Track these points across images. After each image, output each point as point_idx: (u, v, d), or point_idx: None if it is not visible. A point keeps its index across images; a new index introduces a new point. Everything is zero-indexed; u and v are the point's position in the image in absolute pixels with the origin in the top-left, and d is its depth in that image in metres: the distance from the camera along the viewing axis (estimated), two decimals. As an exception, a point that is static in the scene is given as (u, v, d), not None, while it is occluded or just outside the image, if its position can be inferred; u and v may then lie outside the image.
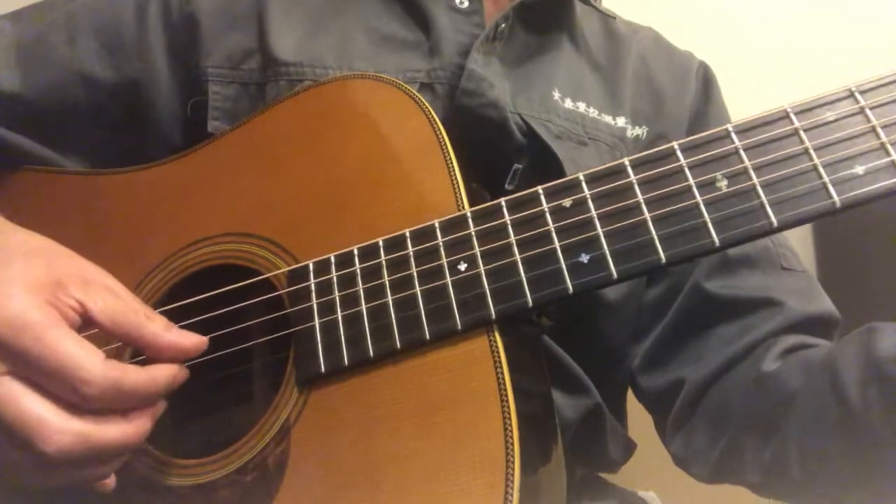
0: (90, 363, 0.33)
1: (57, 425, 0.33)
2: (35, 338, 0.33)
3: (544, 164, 0.51)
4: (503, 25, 0.53)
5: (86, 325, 0.36)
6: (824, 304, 0.53)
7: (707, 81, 0.61)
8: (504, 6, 0.54)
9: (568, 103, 0.54)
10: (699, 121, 0.59)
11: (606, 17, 0.62)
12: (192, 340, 0.38)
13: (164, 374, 0.37)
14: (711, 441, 0.50)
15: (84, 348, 0.34)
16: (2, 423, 0.33)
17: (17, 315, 0.33)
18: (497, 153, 0.51)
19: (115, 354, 0.42)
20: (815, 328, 0.51)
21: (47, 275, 0.35)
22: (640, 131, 0.56)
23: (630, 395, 0.59)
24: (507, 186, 0.50)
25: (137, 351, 0.42)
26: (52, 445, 0.33)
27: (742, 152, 0.35)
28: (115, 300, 0.37)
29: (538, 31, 0.56)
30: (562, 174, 0.49)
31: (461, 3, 0.53)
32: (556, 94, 0.54)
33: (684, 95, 0.59)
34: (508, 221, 0.38)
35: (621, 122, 0.55)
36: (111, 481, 0.37)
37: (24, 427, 0.33)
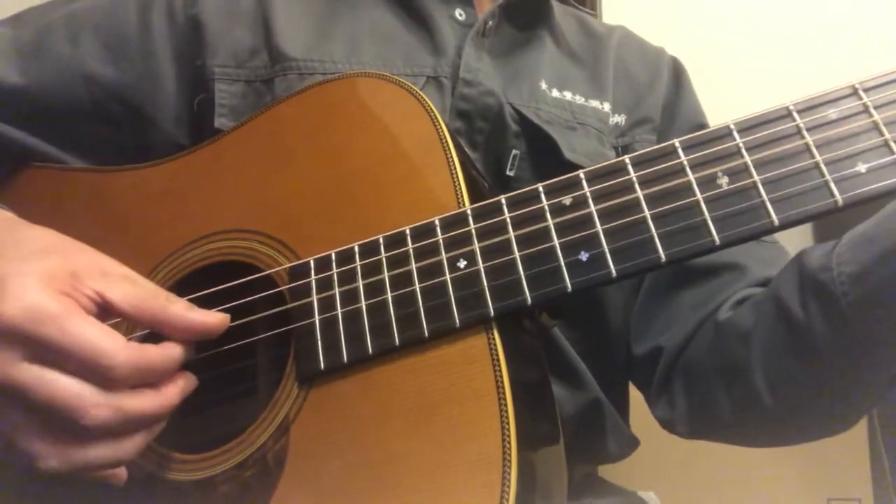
0: (114, 347, 0.35)
1: (94, 399, 0.34)
2: (57, 327, 0.34)
3: (540, 147, 0.53)
4: (491, 22, 0.56)
5: (104, 314, 0.37)
6: None
7: (677, 72, 0.64)
8: (492, 5, 0.57)
9: (555, 93, 0.56)
10: (670, 108, 0.62)
11: (583, 17, 0.65)
12: (215, 318, 0.39)
13: (178, 350, 0.38)
14: (688, 398, 0.52)
15: (106, 332, 0.35)
16: (36, 403, 0.33)
17: (35, 305, 0.34)
18: (497, 141, 0.53)
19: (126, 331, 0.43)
20: None
21: (63, 267, 0.36)
22: (619, 119, 0.58)
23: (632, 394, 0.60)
24: (507, 173, 0.53)
25: (143, 340, 0.42)
26: (93, 419, 0.34)
27: (743, 150, 0.35)
28: (134, 287, 0.38)
29: (522, 28, 0.59)
30: (558, 155, 0.53)
31: (460, 15, 0.57)
32: (543, 85, 0.56)
33: (658, 86, 0.62)
34: (508, 219, 0.38)
35: (607, 107, 0.58)
36: (123, 474, 0.38)
37: (62, 405, 0.33)
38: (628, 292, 0.57)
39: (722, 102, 0.63)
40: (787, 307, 0.44)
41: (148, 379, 0.37)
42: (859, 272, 0.40)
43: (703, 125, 0.62)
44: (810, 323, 0.42)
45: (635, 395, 0.59)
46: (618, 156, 0.57)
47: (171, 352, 0.38)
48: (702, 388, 0.51)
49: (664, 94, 0.61)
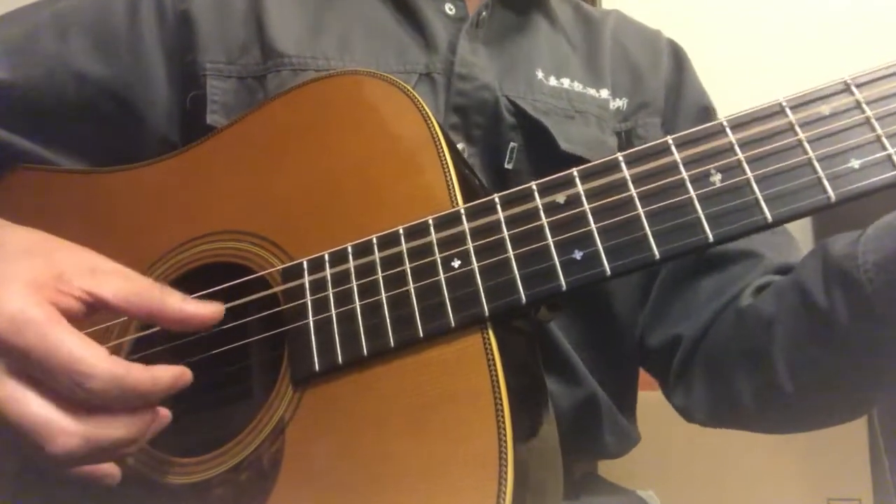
0: (93, 359, 0.34)
1: (62, 427, 0.33)
2: (37, 335, 0.33)
3: (537, 139, 0.53)
4: (484, 13, 0.56)
5: (93, 311, 0.36)
6: (800, 256, 0.55)
7: (678, 55, 0.64)
8: None
9: (552, 81, 0.56)
10: (675, 91, 0.61)
11: (577, 4, 0.65)
12: (211, 309, 0.39)
13: (166, 375, 0.37)
14: (708, 385, 0.52)
15: (87, 344, 0.34)
16: (7, 421, 0.33)
17: (18, 313, 0.33)
18: (494, 135, 0.53)
19: (115, 346, 0.43)
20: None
21: (47, 270, 0.36)
22: (620, 103, 0.58)
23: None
24: (506, 166, 0.52)
25: (136, 343, 0.42)
26: (59, 447, 0.33)
27: (736, 147, 0.35)
28: (126, 281, 0.38)
29: (517, 13, 0.58)
30: (555, 147, 0.52)
31: (450, 9, 0.56)
32: (540, 74, 0.56)
33: (658, 68, 0.61)
34: (502, 218, 0.38)
35: (604, 94, 0.57)
36: (117, 473, 0.38)
37: (30, 429, 0.33)
38: (632, 284, 0.57)
39: (721, 91, 0.63)
40: (811, 294, 0.44)
41: (128, 400, 0.35)
42: (884, 259, 0.40)
43: (709, 108, 0.61)
44: (834, 310, 0.42)
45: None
46: (620, 142, 0.57)
47: (158, 374, 0.36)
48: (723, 374, 0.51)
49: (665, 77, 0.61)
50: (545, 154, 0.52)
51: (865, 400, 0.47)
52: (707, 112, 0.61)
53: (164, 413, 0.38)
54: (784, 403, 0.47)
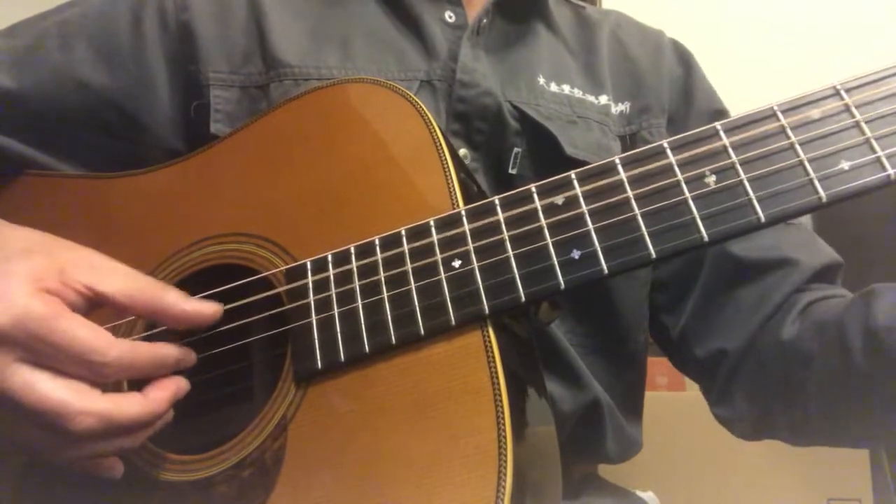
0: (105, 344, 0.35)
1: (80, 407, 0.35)
2: (46, 327, 0.34)
3: (541, 144, 0.53)
4: (485, 20, 0.56)
5: (93, 307, 0.37)
6: (828, 253, 0.56)
7: (684, 55, 0.64)
8: (484, 3, 0.58)
9: (553, 87, 0.56)
10: (685, 94, 0.61)
11: (577, 7, 0.65)
12: (209, 307, 0.40)
13: (171, 354, 0.39)
14: (749, 406, 0.54)
15: (94, 331, 0.36)
16: (24, 408, 0.34)
17: (23, 307, 0.34)
18: (498, 140, 0.53)
19: (124, 333, 0.44)
20: (825, 277, 0.55)
21: (49, 265, 0.37)
22: (623, 107, 0.58)
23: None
24: (510, 171, 0.53)
25: (148, 328, 0.43)
26: (79, 425, 0.34)
27: (730, 149, 0.36)
28: (127, 278, 0.39)
29: (517, 21, 0.59)
30: (559, 151, 0.53)
31: (450, 17, 0.57)
32: (541, 80, 0.56)
33: (661, 66, 0.61)
34: (502, 219, 0.39)
35: (604, 100, 0.58)
36: (120, 467, 0.39)
37: (49, 411, 0.34)
38: (639, 286, 0.57)
39: (724, 93, 0.62)
40: (851, 352, 0.44)
41: (139, 376, 0.37)
42: None
43: (722, 111, 0.61)
44: (871, 372, 0.43)
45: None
46: (624, 146, 0.57)
47: (163, 351, 0.38)
48: (763, 403, 0.53)
49: (671, 77, 0.61)
50: (550, 159, 0.53)
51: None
52: (720, 115, 0.61)
53: (182, 382, 0.39)
54: (816, 433, 0.50)
